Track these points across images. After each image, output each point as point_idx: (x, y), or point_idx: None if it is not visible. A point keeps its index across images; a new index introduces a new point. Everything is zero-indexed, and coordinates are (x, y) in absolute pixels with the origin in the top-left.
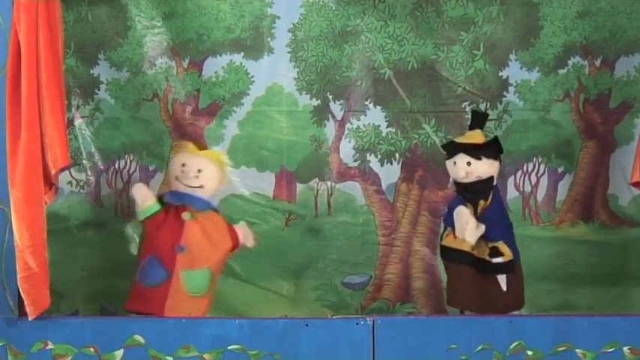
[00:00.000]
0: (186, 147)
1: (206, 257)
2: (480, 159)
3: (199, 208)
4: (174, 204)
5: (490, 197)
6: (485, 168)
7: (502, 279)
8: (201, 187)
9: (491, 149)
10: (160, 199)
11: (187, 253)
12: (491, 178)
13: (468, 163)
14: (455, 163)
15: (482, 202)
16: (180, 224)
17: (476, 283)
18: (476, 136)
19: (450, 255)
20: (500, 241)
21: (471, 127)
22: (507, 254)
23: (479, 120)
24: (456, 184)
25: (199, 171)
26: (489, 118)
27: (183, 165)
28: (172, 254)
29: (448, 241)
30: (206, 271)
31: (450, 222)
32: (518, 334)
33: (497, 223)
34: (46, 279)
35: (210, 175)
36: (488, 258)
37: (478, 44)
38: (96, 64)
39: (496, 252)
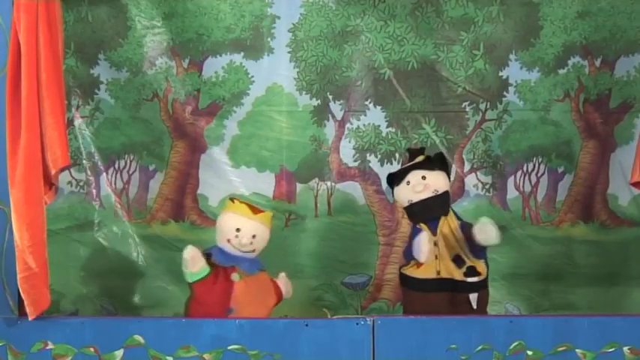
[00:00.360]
0: (240, 209)
1: (254, 316)
2: (433, 169)
3: (249, 270)
4: (223, 265)
5: (454, 215)
6: (440, 180)
7: (474, 297)
8: (253, 251)
9: (439, 162)
10: (208, 257)
11: (236, 314)
12: (446, 192)
13: (423, 177)
14: (408, 182)
15: (446, 220)
16: (230, 286)
17: (446, 307)
18: (420, 158)
19: (412, 284)
20: (482, 260)
21: (411, 158)
22: (483, 273)
23: (418, 151)
24: (410, 209)
25: (253, 236)
26: (488, 118)
27: (238, 230)
28: (222, 316)
29: (411, 270)
30: None
31: (405, 256)
32: (518, 334)
33: (472, 241)
34: (46, 279)
35: (262, 239)
36: (460, 277)
37: (478, 44)
38: (96, 64)
39: (473, 271)
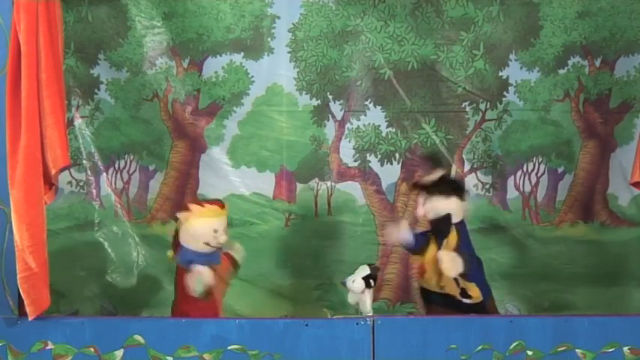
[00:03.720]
0: (209, 212)
1: (220, 294)
2: (431, 197)
3: (217, 261)
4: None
5: (454, 235)
6: (440, 205)
7: None
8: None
9: (445, 186)
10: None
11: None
12: (448, 215)
13: (424, 202)
14: (419, 201)
15: (445, 241)
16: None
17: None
18: (434, 175)
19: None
20: (473, 283)
21: (434, 165)
22: (477, 297)
23: (439, 160)
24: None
25: (225, 229)
26: (488, 118)
27: (216, 231)
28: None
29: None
30: None
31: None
32: (518, 334)
33: (470, 260)
34: (46, 279)
35: (226, 226)
36: (457, 296)
37: (478, 44)
38: (96, 64)
39: (465, 294)
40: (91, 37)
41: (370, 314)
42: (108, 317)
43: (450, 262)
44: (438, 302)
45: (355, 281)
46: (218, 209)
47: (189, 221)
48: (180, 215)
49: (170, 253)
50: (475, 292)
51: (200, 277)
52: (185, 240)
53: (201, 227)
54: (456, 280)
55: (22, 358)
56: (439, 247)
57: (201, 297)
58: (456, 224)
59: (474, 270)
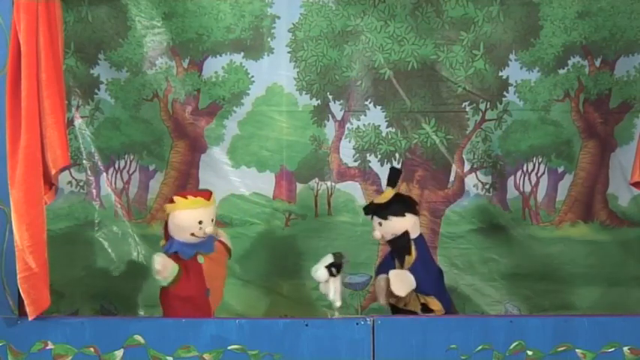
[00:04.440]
0: (194, 203)
1: (222, 281)
2: (386, 219)
3: (209, 248)
4: (189, 256)
5: (413, 251)
6: (396, 225)
7: None
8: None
9: (396, 206)
10: (175, 255)
11: (212, 292)
12: (405, 233)
13: (380, 224)
14: (375, 225)
15: (407, 258)
16: (200, 270)
17: None
18: (385, 195)
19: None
20: (432, 296)
21: (387, 184)
22: (438, 309)
23: (393, 176)
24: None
25: (212, 220)
26: (488, 118)
27: (201, 222)
28: (205, 300)
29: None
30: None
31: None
32: (518, 334)
33: (426, 276)
34: (46, 279)
35: (214, 217)
36: (420, 313)
37: (478, 44)
38: (96, 64)
39: (426, 309)
40: (91, 37)
41: (338, 304)
42: (108, 317)
43: (398, 283)
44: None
45: (318, 270)
46: (202, 200)
47: (174, 213)
48: (167, 207)
49: (162, 242)
50: (436, 305)
51: (153, 265)
52: (172, 231)
53: (185, 219)
54: (417, 295)
55: (22, 358)
56: (402, 266)
57: (166, 285)
58: (414, 239)
59: (430, 283)
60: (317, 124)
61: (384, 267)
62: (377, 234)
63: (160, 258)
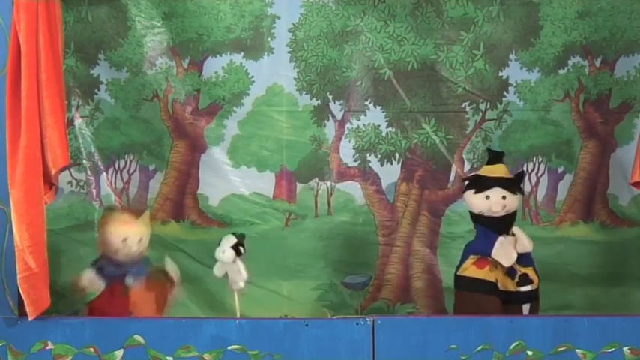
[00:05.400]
0: (122, 218)
1: (155, 311)
2: (515, 193)
3: (139, 272)
4: (115, 275)
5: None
6: (516, 202)
7: (526, 308)
8: (140, 253)
9: (520, 184)
10: (100, 270)
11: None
12: (516, 211)
13: (504, 197)
14: (488, 197)
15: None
16: (125, 293)
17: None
18: (503, 170)
19: (471, 284)
20: (531, 267)
21: (492, 162)
22: (535, 281)
23: (498, 156)
24: (479, 217)
25: (140, 240)
26: (488, 118)
27: (125, 239)
28: None
29: (471, 272)
30: None
31: (474, 250)
32: (518, 334)
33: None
34: (46, 279)
35: (147, 239)
36: (514, 288)
37: (478, 44)
38: (96, 64)
39: (526, 279)
40: (91, 37)
41: (244, 281)
42: (108, 317)
43: (527, 238)
44: (488, 290)
45: (225, 251)
46: (127, 216)
47: (102, 227)
48: (101, 217)
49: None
50: (534, 277)
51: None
52: (99, 245)
53: (110, 234)
54: (511, 269)
55: (22, 358)
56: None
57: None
58: None
59: (530, 257)
60: (317, 124)
61: (481, 244)
62: (497, 207)
63: (87, 274)
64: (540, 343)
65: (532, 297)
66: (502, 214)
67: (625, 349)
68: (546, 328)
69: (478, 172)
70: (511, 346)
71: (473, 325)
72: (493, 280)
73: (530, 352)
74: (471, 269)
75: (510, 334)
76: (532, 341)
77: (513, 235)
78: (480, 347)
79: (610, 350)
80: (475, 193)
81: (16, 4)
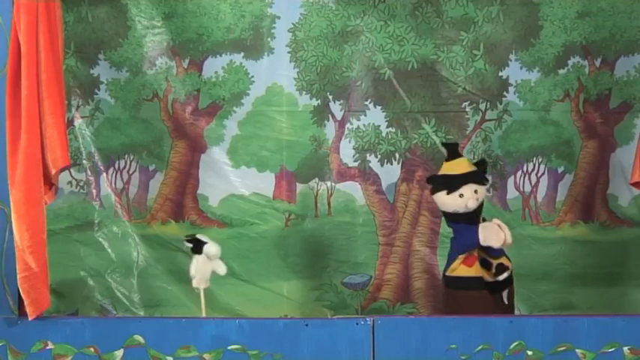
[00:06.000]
0: None
1: None
2: (483, 184)
3: None
4: None
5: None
6: (484, 190)
7: (505, 293)
8: None
9: (484, 172)
10: None
11: None
12: (483, 201)
13: (475, 191)
14: (462, 195)
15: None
16: None
17: (488, 306)
18: (466, 164)
19: (462, 283)
20: (503, 256)
21: (452, 158)
22: (510, 267)
23: (454, 149)
24: (454, 215)
25: None
26: (488, 118)
27: None
28: None
29: (460, 271)
30: None
31: (460, 249)
32: (518, 334)
33: None
34: (46, 279)
35: None
36: (492, 278)
37: (478, 44)
38: (96, 64)
39: (502, 268)
40: (91, 37)
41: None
42: (108, 317)
43: (492, 231)
44: (477, 286)
45: (213, 246)
46: None
47: None
48: None
49: None
50: (507, 262)
51: None
52: None
53: None
54: (484, 262)
55: (22, 358)
56: None
57: None
58: None
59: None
60: (317, 124)
61: (465, 240)
62: (472, 203)
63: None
64: (540, 343)
65: (509, 282)
66: (475, 205)
67: (625, 349)
68: (546, 328)
69: (440, 171)
70: (511, 346)
71: (473, 325)
72: (480, 275)
73: (530, 352)
74: (460, 269)
75: (510, 334)
76: (532, 341)
77: (484, 220)
78: (479, 347)
79: (610, 350)
80: (448, 193)
81: (16, 4)
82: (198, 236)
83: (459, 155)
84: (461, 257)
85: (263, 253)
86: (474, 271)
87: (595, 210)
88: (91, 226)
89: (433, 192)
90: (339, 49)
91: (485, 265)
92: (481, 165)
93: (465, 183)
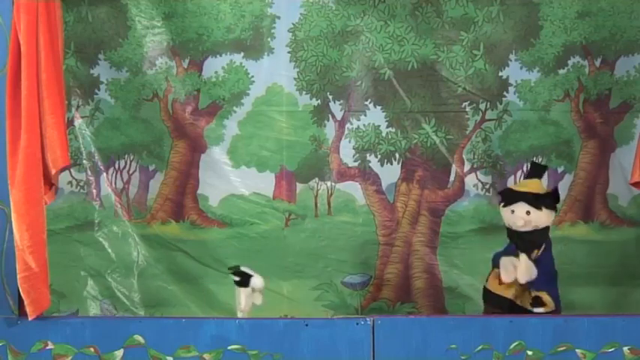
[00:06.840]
0: None
1: None
2: (540, 209)
3: None
4: None
5: (543, 246)
6: (544, 218)
7: None
8: None
9: (550, 199)
10: None
11: None
12: (547, 228)
13: (528, 213)
14: (513, 211)
15: (535, 251)
16: None
17: None
18: (535, 185)
19: (492, 299)
20: (544, 292)
21: (530, 176)
22: (549, 305)
23: (539, 170)
24: (510, 230)
25: None
26: (488, 118)
27: None
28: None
29: (492, 286)
30: None
31: (495, 263)
32: (518, 334)
33: (546, 273)
34: (46, 279)
35: None
36: (529, 307)
37: (478, 44)
38: (96, 64)
39: (539, 302)
40: (91, 37)
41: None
42: (108, 317)
43: (525, 268)
44: (502, 306)
45: (258, 279)
46: None
47: None
48: None
49: None
50: (549, 301)
51: None
52: None
53: None
54: (527, 289)
55: (22, 358)
56: (529, 258)
57: None
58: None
59: (547, 280)
60: (317, 124)
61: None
62: (520, 222)
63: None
64: (540, 343)
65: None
66: (527, 229)
67: (625, 349)
68: (546, 328)
69: (514, 186)
70: (511, 346)
71: (473, 325)
72: (509, 296)
73: (530, 352)
74: (491, 282)
75: (510, 334)
76: (532, 341)
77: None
78: (480, 347)
79: (610, 350)
80: (503, 206)
81: (16, 4)
82: (243, 268)
83: (539, 176)
84: (497, 271)
85: (263, 253)
86: (502, 289)
87: (595, 210)
88: (91, 226)
89: (499, 202)
90: (339, 49)
91: (529, 291)
92: (552, 193)
93: (519, 201)
